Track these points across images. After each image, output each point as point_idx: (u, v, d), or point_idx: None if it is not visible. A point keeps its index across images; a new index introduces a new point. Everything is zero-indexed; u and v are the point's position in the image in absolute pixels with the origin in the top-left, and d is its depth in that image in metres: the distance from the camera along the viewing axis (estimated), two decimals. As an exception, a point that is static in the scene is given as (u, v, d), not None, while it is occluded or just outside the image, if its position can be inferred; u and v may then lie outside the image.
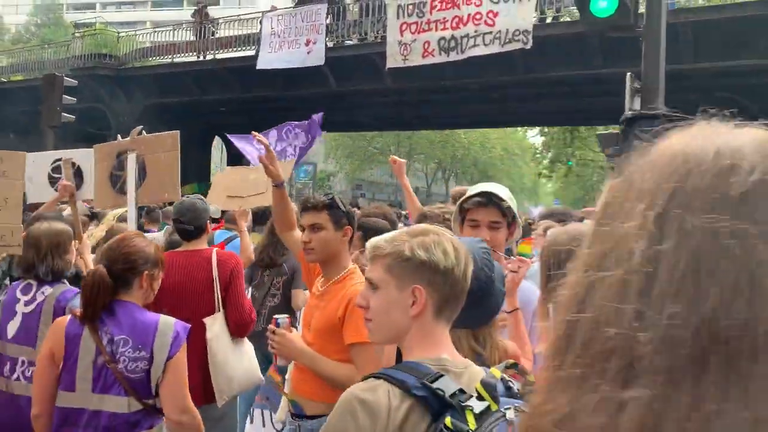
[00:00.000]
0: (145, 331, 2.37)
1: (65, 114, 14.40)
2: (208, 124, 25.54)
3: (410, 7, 15.40)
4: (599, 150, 38.72)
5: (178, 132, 4.06)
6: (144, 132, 4.20)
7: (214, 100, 20.94)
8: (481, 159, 55.24)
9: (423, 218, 3.21)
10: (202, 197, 3.75)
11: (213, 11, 21.24)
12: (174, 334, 2.40)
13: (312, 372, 2.54)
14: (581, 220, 6.13)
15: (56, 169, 4.40)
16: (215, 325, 3.32)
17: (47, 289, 2.99)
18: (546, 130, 34.66)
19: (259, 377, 3.44)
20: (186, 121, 24.44)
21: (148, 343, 2.35)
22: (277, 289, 4.63)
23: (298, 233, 3.02)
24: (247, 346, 3.52)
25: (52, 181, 4.46)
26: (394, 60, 15.63)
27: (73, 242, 3.25)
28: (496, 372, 1.41)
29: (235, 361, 3.35)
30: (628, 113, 5.36)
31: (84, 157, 4.42)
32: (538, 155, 41.93)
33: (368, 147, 48.33)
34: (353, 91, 18.67)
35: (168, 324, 2.42)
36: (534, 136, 44.48)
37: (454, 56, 14.84)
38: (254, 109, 23.08)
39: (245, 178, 5.11)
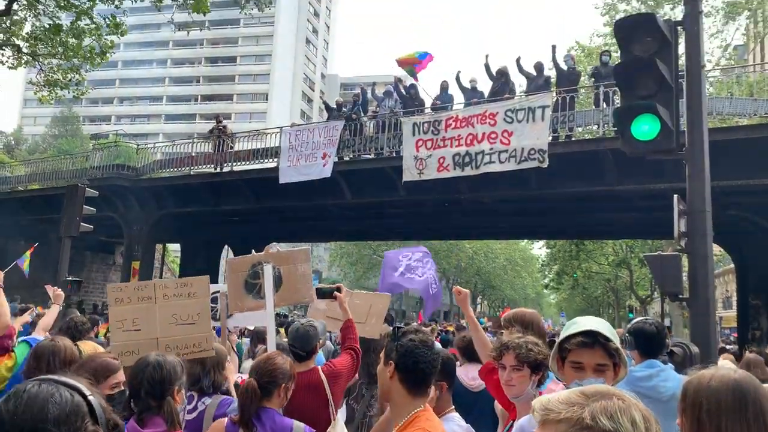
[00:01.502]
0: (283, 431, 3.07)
1: (84, 224, 14.48)
2: (219, 233, 25.71)
3: (425, 125, 15.94)
4: (605, 264, 38.79)
5: (308, 247, 5.19)
6: (278, 248, 4.92)
7: (228, 210, 21.18)
8: (485, 269, 55.18)
9: (505, 349, 3.04)
10: (314, 324, 4.17)
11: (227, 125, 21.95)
12: None
13: None
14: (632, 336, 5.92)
15: (213, 300, 5.16)
16: None
17: (207, 400, 3.62)
18: (552, 242, 34.84)
19: None
20: (197, 229, 24.68)
21: None
22: (376, 401, 4.59)
23: None
24: None
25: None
26: (409, 174, 15.98)
27: (228, 360, 4.01)
28: None
29: None
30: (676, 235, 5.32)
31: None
32: (544, 267, 41.88)
33: (373, 255, 48.38)
34: (367, 203, 18.91)
35: (299, 428, 3.13)
36: (540, 247, 44.67)
37: (469, 171, 15.17)
38: (267, 219, 23.32)
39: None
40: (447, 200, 17.43)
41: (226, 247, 28.33)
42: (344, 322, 4.28)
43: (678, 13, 23.58)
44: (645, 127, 5.42)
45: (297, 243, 48.48)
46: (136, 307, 4.03)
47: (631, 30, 5.55)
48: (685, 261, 5.86)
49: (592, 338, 2.33)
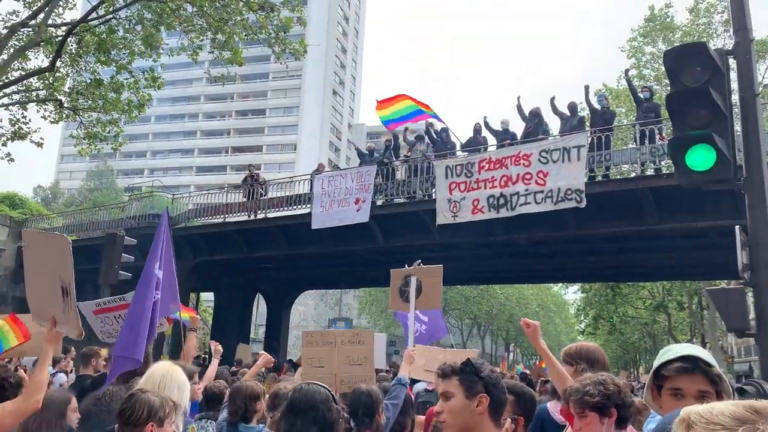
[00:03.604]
0: None
1: (122, 272, 14.63)
2: (251, 281, 25.75)
3: (458, 167, 15.90)
4: (641, 308, 37.80)
5: (441, 266, 6.24)
6: (421, 263, 6.30)
7: (261, 257, 21.24)
8: (517, 315, 54.19)
9: (568, 396, 2.82)
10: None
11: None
12: None
13: None
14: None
15: None
16: None
17: None
18: (587, 286, 34.13)
19: None
20: (230, 277, 24.75)
21: None
22: None
23: None
24: None
25: None
26: (443, 217, 15.88)
27: None
28: None
29: None
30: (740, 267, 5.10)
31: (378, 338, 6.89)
32: (580, 312, 40.97)
33: (403, 303, 47.92)
34: (401, 247, 18.79)
35: None
36: (574, 292, 43.82)
37: (504, 213, 15.02)
38: (299, 265, 23.31)
39: (436, 358, 6.80)
40: (481, 243, 17.24)
41: (258, 295, 28.35)
42: None
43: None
44: (700, 157, 5.28)
45: (329, 289, 48.18)
46: (321, 349, 5.20)
47: (681, 60, 5.47)
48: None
49: (693, 363, 2.18)
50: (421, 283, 6.10)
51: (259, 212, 20.01)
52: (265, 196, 20.29)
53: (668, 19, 30.22)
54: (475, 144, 16.72)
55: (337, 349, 5.17)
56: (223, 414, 4.48)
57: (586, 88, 15.49)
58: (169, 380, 3.22)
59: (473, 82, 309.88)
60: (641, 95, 14.81)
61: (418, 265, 6.29)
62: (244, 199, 20.50)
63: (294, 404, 2.66)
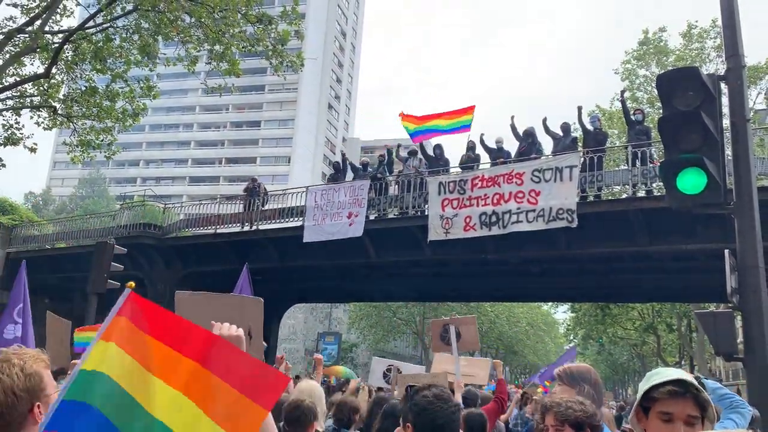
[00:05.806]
0: None
1: (111, 281, 14.54)
2: (241, 293, 25.56)
3: (451, 184, 15.96)
4: (631, 328, 37.79)
5: (475, 316, 8.07)
6: (456, 315, 7.86)
7: (252, 269, 21.09)
8: (507, 333, 54.08)
9: (545, 410, 2.87)
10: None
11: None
12: None
13: None
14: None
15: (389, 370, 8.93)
16: None
17: None
18: (577, 306, 34.17)
19: None
20: (220, 289, 24.54)
21: None
22: None
23: None
24: None
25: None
26: (435, 233, 15.90)
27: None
28: None
29: None
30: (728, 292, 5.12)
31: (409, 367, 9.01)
32: (569, 331, 40.96)
33: (393, 318, 47.63)
34: (392, 263, 18.77)
35: None
36: (564, 311, 43.85)
37: (496, 230, 15.06)
38: (289, 279, 23.20)
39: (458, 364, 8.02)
40: (473, 260, 17.25)
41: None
42: (498, 380, 6.90)
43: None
44: (691, 180, 5.32)
45: (319, 303, 47.83)
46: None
47: (674, 84, 5.53)
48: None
49: (684, 387, 2.19)
50: (459, 330, 7.49)
51: (253, 224, 19.95)
52: (262, 207, 20.23)
53: (662, 43, 30.60)
54: (468, 161, 16.79)
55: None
56: (329, 421, 5.36)
57: (579, 108, 15.61)
58: (319, 395, 4.61)
59: (471, 91, 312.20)
60: (633, 117, 14.95)
61: (454, 316, 8.05)
62: (241, 210, 20.44)
63: (385, 411, 3.99)
